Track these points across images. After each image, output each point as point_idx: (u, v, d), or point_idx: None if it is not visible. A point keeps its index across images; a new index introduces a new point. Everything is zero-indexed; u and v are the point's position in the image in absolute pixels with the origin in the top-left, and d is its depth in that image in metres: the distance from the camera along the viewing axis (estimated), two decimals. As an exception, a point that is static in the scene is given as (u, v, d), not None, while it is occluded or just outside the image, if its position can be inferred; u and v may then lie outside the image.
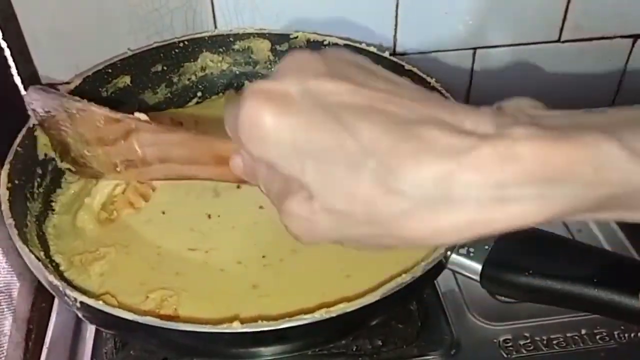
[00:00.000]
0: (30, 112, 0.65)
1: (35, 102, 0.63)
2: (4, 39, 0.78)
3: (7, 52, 0.79)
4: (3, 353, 0.65)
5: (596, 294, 0.51)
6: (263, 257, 0.64)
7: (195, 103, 0.85)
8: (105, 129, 0.60)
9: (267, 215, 0.67)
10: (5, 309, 0.68)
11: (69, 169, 0.69)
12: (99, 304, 0.52)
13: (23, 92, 0.82)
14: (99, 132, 0.60)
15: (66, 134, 0.63)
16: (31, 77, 0.83)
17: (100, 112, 0.60)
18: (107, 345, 0.66)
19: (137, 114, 0.60)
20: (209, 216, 0.68)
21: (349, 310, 0.50)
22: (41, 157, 0.69)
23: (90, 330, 0.68)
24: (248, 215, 0.68)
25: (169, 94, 0.83)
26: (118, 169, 0.62)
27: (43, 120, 0.64)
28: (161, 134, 0.57)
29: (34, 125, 0.67)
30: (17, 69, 0.81)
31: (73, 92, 0.73)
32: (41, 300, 0.73)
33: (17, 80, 0.82)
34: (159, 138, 0.57)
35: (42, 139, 0.68)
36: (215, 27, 0.85)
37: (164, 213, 0.68)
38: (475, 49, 0.91)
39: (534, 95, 0.90)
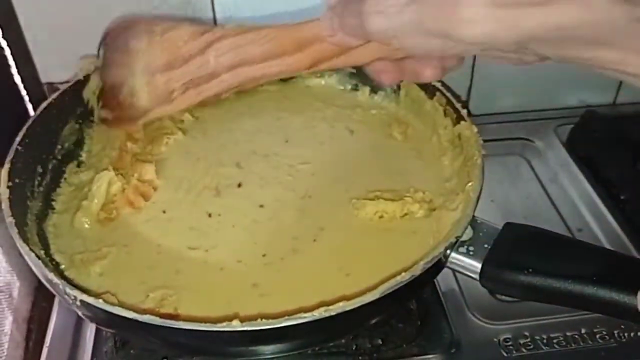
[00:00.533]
0: (101, 49, 0.68)
1: (117, 28, 0.66)
2: (4, 38, 0.78)
3: (8, 52, 0.79)
4: (3, 352, 0.66)
5: (595, 293, 0.51)
6: (263, 255, 0.64)
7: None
8: (184, 47, 0.60)
9: (267, 214, 0.68)
10: (6, 309, 0.68)
11: (105, 121, 0.70)
12: (98, 302, 0.52)
13: (23, 91, 0.82)
14: (173, 54, 0.60)
15: (126, 71, 0.64)
16: (31, 77, 0.83)
17: (190, 28, 0.60)
18: (107, 344, 0.66)
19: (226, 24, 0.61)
20: (210, 215, 0.68)
21: (348, 308, 0.50)
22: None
23: (90, 330, 0.68)
24: (248, 214, 0.68)
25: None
26: (174, 96, 0.62)
27: (110, 57, 0.66)
28: (244, 34, 0.57)
29: (95, 67, 0.70)
30: (17, 68, 0.81)
31: (74, 89, 0.73)
32: (41, 299, 0.74)
33: (17, 79, 0.82)
34: (241, 40, 0.57)
35: (93, 84, 0.71)
36: (215, 23, 0.85)
37: (164, 212, 0.68)
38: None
39: (537, 92, 0.91)
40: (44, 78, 0.84)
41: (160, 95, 0.62)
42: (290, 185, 0.71)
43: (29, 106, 0.83)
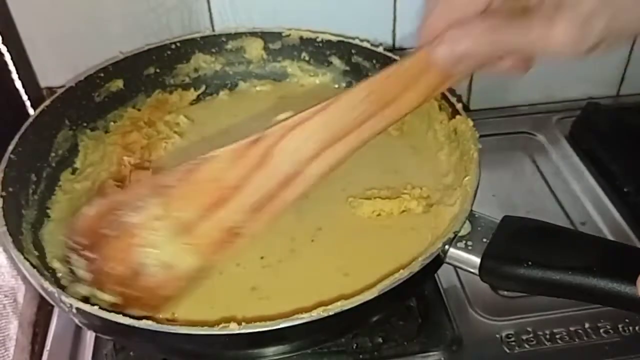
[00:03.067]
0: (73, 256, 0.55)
1: (88, 219, 0.54)
2: (4, 43, 0.78)
3: (8, 57, 0.79)
4: (9, 357, 0.65)
5: (596, 283, 0.50)
6: (261, 258, 0.63)
7: (189, 104, 0.84)
8: (228, 175, 0.51)
9: None
10: (10, 313, 0.68)
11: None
12: (94, 310, 0.51)
13: (25, 96, 0.82)
14: (214, 190, 0.51)
15: (137, 251, 0.53)
16: (30, 81, 0.83)
17: (229, 149, 0.51)
18: (107, 347, 0.65)
19: (279, 116, 0.51)
20: None
21: (346, 308, 0.50)
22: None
23: (90, 333, 0.68)
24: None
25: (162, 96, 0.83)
26: (240, 230, 0.52)
27: (102, 253, 0.54)
28: (316, 116, 0.51)
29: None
30: (17, 73, 0.81)
31: (66, 96, 0.73)
32: (46, 303, 0.73)
33: (18, 84, 0.82)
34: (316, 124, 0.51)
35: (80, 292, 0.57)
36: (212, 26, 0.85)
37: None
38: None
39: (538, 85, 0.90)
40: (43, 82, 0.85)
41: (219, 240, 0.53)
42: None
43: (31, 111, 0.83)
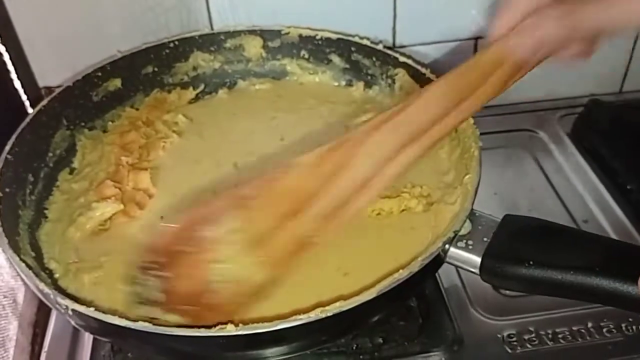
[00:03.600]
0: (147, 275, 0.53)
1: (168, 235, 0.52)
2: (2, 43, 0.78)
3: (7, 57, 0.79)
4: (9, 358, 0.65)
5: (598, 283, 0.50)
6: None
7: (188, 103, 0.84)
8: (308, 182, 0.50)
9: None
10: (10, 314, 0.68)
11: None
12: (90, 311, 0.51)
13: (24, 96, 0.82)
14: (294, 198, 0.50)
15: (205, 267, 0.51)
16: (29, 81, 0.83)
17: (312, 155, 0.51)
18: (104, 348, 0.65)
19: (360, 118, 0.54)
20: None
21: (345, 309, 0.49)
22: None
23: (88, 334, 0.67)
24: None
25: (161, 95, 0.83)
26: (315, 238, 0.51)
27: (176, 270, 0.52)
28: (399, 117, 0.51)
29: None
30: (16, 73, 0.81)
31: (63, 95, 0.73)
32: (46, 304, 0.73)
33: (18, 84, 0.81)
34: (399, 124, 0.51)
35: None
36: (211, 24, 0.84)
37: (162, 218, 0.67)
38: (476, 39, 0.89)
39: (540, 86, 0.90)
40: (41, 82, 0.84)
41: (291, 250, 0.52)
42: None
43: (30, 111, 0.82)
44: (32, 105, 0.83)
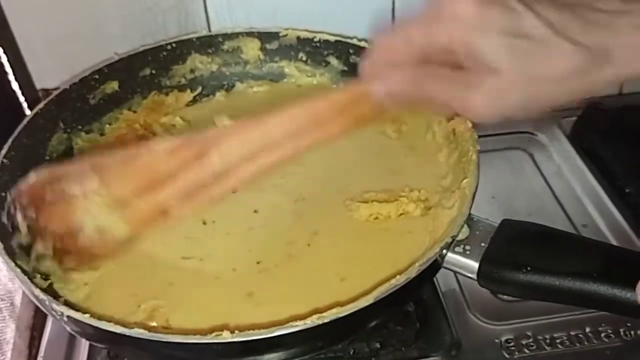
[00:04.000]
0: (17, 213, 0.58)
1: (35, 185, 0.57)
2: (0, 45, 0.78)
3: (4, 59, 0.79)
4: (6, 361, 0.65)
5: (596, 289, 0.50)
6: (258, 263, 0.63)
7: (185, 105, 0.84)
8: (167, 164, 0.55)
9: (261, 219, 0.67)
10: (8, 317, 0.68)
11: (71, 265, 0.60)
12: (85, 318, 0.51)
13: (21, 97, 0.82)
14: (153, 174, 0.55)
15: (75, 217, 0.56)
16: (26, 83, 0.83)
17: (168, 144, 0.55)
18: (101, 354, 0.65)
19: (220, 122, 0.55)
20: (204, 222, 0.67)
21: (341, 315, 0.49)
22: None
23: (84, 340, 0.67)
24: (243, 221, 0.67)
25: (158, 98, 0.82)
26: (172, 209, 0.56)
27: (44, 215, 0.57)
28: (255, 128, 0.54)
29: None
30: (14, 75, 0.80)
31: (60, 98, 0.72)
32: (42, 308, 0.73)
33: (15, 86, 0.81)
34: (253, 134, 0.54)
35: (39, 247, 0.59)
36: (209, 26, 0.84)
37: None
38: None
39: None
40: (38, 84, 0.84)
41: (148, 217, 0.56)
42: (283, 188, 0.70)
43: (28, 112, 0.82)
44: (30, 107, 0.83)
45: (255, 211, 0.68)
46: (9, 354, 0.66)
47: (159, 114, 0.80)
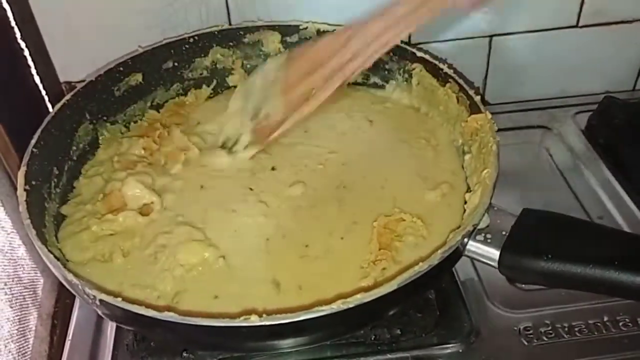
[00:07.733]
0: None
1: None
2: (22, 39, 0.79)
3: (27, 52, 0.80)
4: (29, 348, 0.67)
5: (617, 277, 0.50)
6: (283, 251, 0.63)
7: (207, 98, 0.85)
8: (325, 51, 0.68)
9: (304, 201, 0.68)
10: (30, 305, 0.69)
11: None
12: (118, 301, 0.52)
13: (43, 92, 0.83)
14: (313, 63, 0.69)
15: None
16: (49, 76, 0.84)
17: (330, 36, 0.69)
18: (128, 338, 0.66)
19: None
20: (251, 189, 0.70)
21: (365, 300, 0.50)
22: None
23: (111, 324, 0.69)
24: (282, 199, 0.69)
25: (181, 90, 0.84)
26: (313, 93, 0.69)
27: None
28: (380, 17, 0.65)
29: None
30: (36, 69, 0.81)
31: (86, 90, 0.74)
32: (65, 296, 0.75)
33: (37, 79, 0.82)
34: (380, 21, 0.65)
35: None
36: (229, 20, 0.85)
37: (202, 187, 0.70)
38: (491, 36, 0.90)
39: (554, 83, 0.90)
40: (62, 77, 0.85)
41: (297, 101, 0.70)
42: (323, 173, 0.72)
43: (49, 106, 0.84)
44: (52, 101, 0.84)
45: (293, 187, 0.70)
46: (31, 341, 0.68)
47: (179, 117, 0.81)
